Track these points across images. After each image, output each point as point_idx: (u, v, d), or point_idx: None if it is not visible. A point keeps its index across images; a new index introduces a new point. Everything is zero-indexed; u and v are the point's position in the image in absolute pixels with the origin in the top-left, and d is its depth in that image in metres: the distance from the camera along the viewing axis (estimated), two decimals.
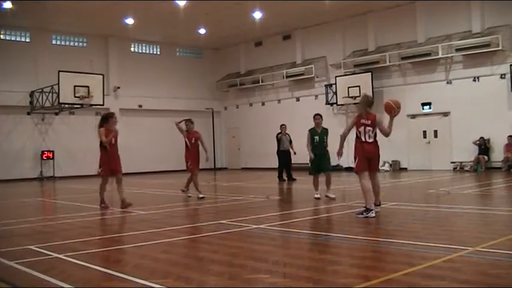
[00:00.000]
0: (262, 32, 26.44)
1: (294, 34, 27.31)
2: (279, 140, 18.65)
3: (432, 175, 18.74)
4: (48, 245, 6.72)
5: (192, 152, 12.81)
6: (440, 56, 21.01)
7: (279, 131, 18.88)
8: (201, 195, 12.38)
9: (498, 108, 19.85)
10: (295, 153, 18.41)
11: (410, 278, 4.60)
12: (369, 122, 8.73)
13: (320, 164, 11.66)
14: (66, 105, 23.44)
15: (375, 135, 8.85)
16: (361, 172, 8.69)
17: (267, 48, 28.71)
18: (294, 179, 18.36)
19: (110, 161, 10.77)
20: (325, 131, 11.73)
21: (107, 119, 10.81)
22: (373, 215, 8.39)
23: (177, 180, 21.03)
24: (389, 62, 22.65)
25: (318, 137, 11.54)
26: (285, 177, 18.63)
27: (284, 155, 18.62)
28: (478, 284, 4.41)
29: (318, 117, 11.73)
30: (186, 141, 12.90)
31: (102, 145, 10.71)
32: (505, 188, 13.82)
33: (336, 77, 24.41)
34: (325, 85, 25.30)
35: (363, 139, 8.76)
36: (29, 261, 5.73)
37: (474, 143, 20.24)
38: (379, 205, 8.95)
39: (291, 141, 18.61)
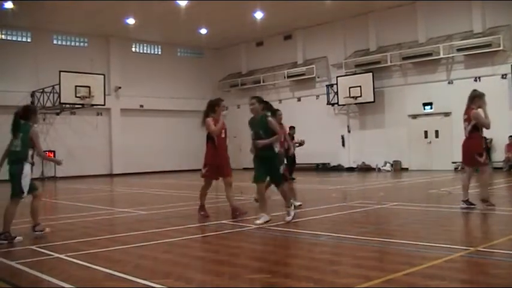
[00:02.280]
0: (263, 32, 26.43)
1: (295, 34, 27.30)
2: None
3: (433, 175, 18.72)
4: (49, 245, 6.72)
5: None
6: (441, 56, 20.99)
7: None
8: (298, 203, 10.32)
9: (499, 108, 19.76)
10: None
11: (411, 278, 4.59)
12: (466, 116, 8.97)
13: (261, 167, 8.11)
14: (67, 105, 23.47)
15: (471, 130, 9.03)
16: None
17: (268, 48, 28.69)
18: (293, 179, 18.41)
19: (216, 159, 8.96)
20: (262, 120, 8.08)
21: (213, 107, 9.00)
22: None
23: (177, 181, 21.05)
24: (391, 62, 22.62)
25: (252, 131, 8.22)
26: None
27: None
28: (479, 284, 4.41)
29: (252, 100, 8.24)
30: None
31: (210, 139, 8.97)
32: (506, 188, 13.80)
33: (337, 77, 24.39)
34: (326, 85, 25.29)
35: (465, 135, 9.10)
36: (30, 261, 5.74)
37: None
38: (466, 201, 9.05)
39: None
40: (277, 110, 9.93)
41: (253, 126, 8.22)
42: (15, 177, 7.17)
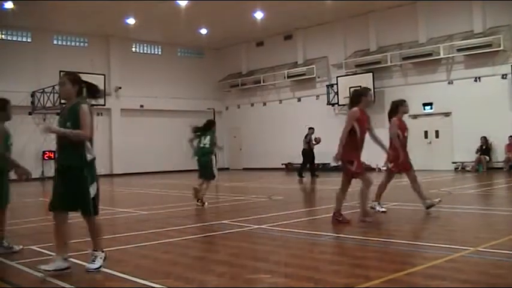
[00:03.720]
0: (263, 32, 26.42)
1: (295, 34, 27.29)
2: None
3: (433, 175, 18.71)
4: (49, 245, 6.71)
5: (402, 147, 9.26)
6: (441, 56, 20.98)
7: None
8: (432, 201, 8.95)
9: (499, 108, 19.82)
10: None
11: (411, 278, 4.59)
12: None
13: (60, 186, 5.24)
14: None
15: None
16: None
17: (269, 49, 28.68)
18: (317, 175, 19.84)
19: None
20: (72, 109, 5.25)
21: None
22: None
23: (178, 181, 21.05)
24: (391, 62, 22.62)
25: (59, 125, 5.34)
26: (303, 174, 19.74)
27: (304, 154, 20.23)
28: (480, 284, 4.40)
29: (62, 79, 5.37)
30: (399, 134, 9.15)
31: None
32: (507, 188, 13.80)
33: (337, 77, 24.39)
34: (326, 85, 25.28)
35: None
36: (30, 261, 5.73)
37: (477, 151, 20.15)
38: None
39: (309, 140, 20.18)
40: (403, 100, 9.29)
41: (60, 119, 5.38)
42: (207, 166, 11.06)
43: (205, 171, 11.16)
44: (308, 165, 20.24)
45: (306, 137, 20.21)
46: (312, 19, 24.94)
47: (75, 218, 8.80)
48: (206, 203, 10.86)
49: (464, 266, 5.00)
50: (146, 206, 11.21)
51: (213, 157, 11.39)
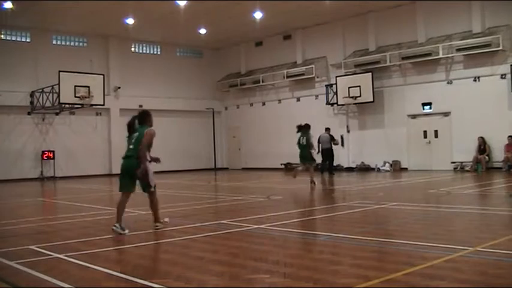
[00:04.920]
0: (262, 32, 26.43)
1: (294, 34, 27.29)
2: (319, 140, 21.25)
3: (432, 175, 18.73)
4: (48, 245, 6.72)
5: None
6: (440, 56, 20.98)
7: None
8: None
9: (498, 108, 19.83)
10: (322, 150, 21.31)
11: (410, 278, 4.59)
12: None
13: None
14: (67, 105, 23.43)
15: None
16: None
17: (268, 48, 28.69)
18: (333, 174, 21.15)
19: None
20: None
21: None
22: None
23: (177, 181, 21.05)
24: (390, 62, 22.61)
25: None
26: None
27: (323, 153, 21.44)
28: (479, 284, 4.41)
29: None
30: None
31: None
32: (505, 188, 13.79)
33: (336, 77, 24.38)
34: (325, 85, 25.29)
35: None
36: (30, 261, 5.74)
37: (477, 152, 20.13)
38: None
39: (332, 139, 21.53)
40: None
41: None
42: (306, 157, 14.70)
43: (304, 159, 15.25)
44: (324, 163, 21.42)
45: (332, 138, 21.58)
46: (311, 19, 24.94)
47: (75, 218, 8.75)
48: (315, 183, 14.95)
49: (463, 266, 5.01)
50: (145, 206, 11.19)
51: (312, 151, 15.29)
